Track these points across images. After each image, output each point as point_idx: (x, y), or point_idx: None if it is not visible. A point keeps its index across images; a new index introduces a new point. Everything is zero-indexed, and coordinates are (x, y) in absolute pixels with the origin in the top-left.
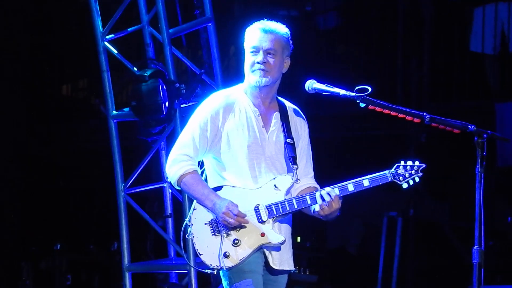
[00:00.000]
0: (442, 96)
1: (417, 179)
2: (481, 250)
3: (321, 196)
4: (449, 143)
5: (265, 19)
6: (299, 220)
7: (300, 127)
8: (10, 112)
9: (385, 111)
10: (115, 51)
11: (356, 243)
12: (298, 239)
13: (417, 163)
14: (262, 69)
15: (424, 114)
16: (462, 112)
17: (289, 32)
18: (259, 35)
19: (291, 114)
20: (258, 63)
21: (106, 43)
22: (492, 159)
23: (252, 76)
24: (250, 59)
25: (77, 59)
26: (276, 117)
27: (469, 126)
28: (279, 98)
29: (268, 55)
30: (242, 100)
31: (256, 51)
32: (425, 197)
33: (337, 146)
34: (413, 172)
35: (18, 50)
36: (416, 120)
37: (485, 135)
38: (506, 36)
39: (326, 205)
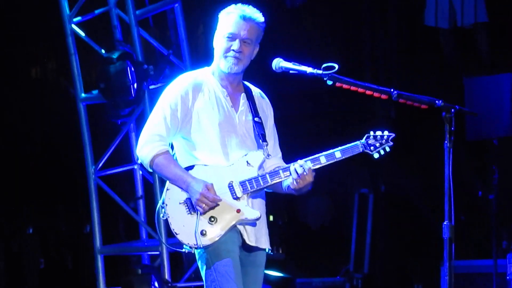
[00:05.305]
0: (410, 70)
1: (387, 149)
2: (451, 225)
3: (295, 170)
4: (420, 117)
5: (240, 3)
6: (271, 199)
7: (267, 109)
8: None
9: (353, 88)
10: (83, 34)
11: (327, 221)
12: (271, 218)
13: (386, 132)
14: (236, 57)
15: (392, 90)
16: (431, 87)
17: (264, 20)
18: (238, 22)
19: (256, 96)
20: (233, 50)
21: (73, 25)
22: (461, 133)
23: (225, 62)
24: (224, 44)
25: (45, 42)
26: (243, 98)
27: (437, 102)
28: (244, 82)
29: (244, 43)
30: (210, 81)
31: (232, 38)
32: (396, 173)
33: (306, 124)
34: (383, 141)
35: None
36: (383, 96)
37: (452, 110)
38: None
39: (299, 178)
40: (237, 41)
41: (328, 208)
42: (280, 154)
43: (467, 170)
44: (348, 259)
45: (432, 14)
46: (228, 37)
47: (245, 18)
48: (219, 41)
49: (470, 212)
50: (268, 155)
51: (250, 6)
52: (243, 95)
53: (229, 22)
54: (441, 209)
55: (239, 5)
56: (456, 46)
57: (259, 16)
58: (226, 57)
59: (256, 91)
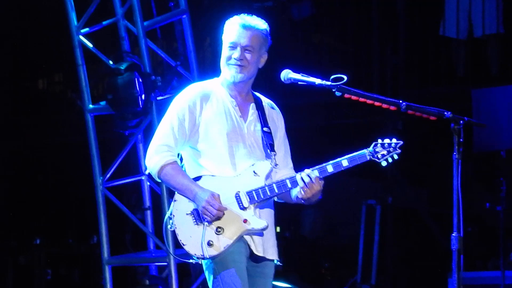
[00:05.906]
0: (417, 82)
1: (395, 156)
2: (460, 237)
3: (301, 179)
4: (426, 129)
5: (244, 13)
6: (278, 211)
7: (277, 119)
8: None
9: (361, 99)
10: (90, 45)
11: (324, 232)
12: (278, 229)
13: (394, 140)
14: (239, 65)
15: (400, 101)
16: (438, 98)
17: (268, 28)
18: (238, 31)
19: (266, 107)
20: (235, 59)
21: (81, 37)
22: (469, 144)
23: (228, 70)
24: (227, 53)
25: (52, 53)
26: (252, 108)
27: (445, 113)
28: (254, 92)
29: (246, 51)
30: (219, 91)
31: (234, 46)
32: (403, 184)
33: (314, 135)
34: (391, 149)
35: None
36: (392, 108)
37: (461, 122)
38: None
39: (307, 187)
40: (238, 49)
41: (324, 219)
42: (291, 165)
43: (474, 181)
44: (355, 270)
45: (442, 24)
46: (230, 46)
47: (245, 26)
48: (223, 50)
49: (478, 223)
50: (276, 164)
51: (254, 16)
52: (252, 105)
53: (231, 31)
54: (449, 220)
55: (242, 15)
56: (466, 56)
57: (260, 24)
58: (228, 65)
59: (266, 101)
